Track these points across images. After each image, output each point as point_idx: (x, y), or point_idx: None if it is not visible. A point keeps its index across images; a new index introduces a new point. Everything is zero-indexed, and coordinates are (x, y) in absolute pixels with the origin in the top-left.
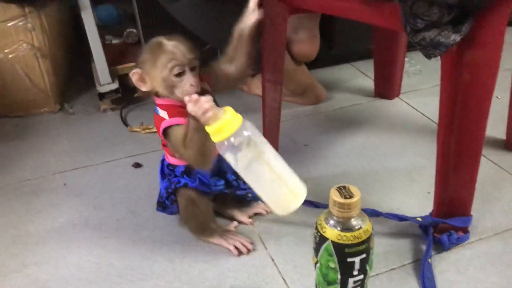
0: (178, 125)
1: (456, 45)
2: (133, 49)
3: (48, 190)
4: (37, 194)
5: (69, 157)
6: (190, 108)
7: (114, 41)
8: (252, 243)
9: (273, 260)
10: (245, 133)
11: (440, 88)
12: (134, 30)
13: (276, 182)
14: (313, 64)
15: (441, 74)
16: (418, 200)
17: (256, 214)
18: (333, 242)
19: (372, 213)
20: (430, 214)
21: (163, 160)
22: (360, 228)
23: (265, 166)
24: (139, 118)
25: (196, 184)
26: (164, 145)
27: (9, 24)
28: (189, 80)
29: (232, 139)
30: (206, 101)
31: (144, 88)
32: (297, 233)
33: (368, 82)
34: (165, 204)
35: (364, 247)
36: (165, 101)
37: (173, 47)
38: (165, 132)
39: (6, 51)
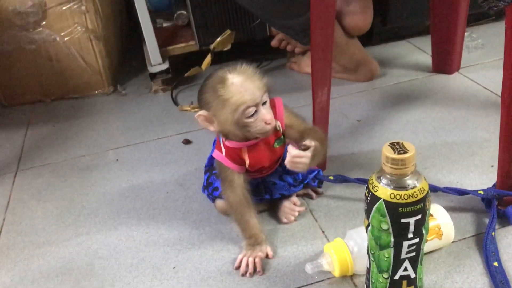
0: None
1: None
2: (183, 31)
3: (101, 165)
4: (90, 169)
5: (121, 135)
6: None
7: (165, 25)
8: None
9: (323, 231)
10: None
11: (504, 49)
12: (184, 12)
13: None
14: (366, 41)
15: (505, 32)
16: (480, 174)
17: (305, 194)
18: (385, 201)
19: (429, 189)
20: (494, 186)
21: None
22: (414, 186)
23: None
24: (189, 98)
25: None
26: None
27: (64, 8)
28: (263, 118)
29: None
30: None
31: (212, 128)
32: (349, 206)
33: (425, 58)
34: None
35: (419, 207)
36: (231, 144)
37: (241, 86)
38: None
39: (62, 34)
